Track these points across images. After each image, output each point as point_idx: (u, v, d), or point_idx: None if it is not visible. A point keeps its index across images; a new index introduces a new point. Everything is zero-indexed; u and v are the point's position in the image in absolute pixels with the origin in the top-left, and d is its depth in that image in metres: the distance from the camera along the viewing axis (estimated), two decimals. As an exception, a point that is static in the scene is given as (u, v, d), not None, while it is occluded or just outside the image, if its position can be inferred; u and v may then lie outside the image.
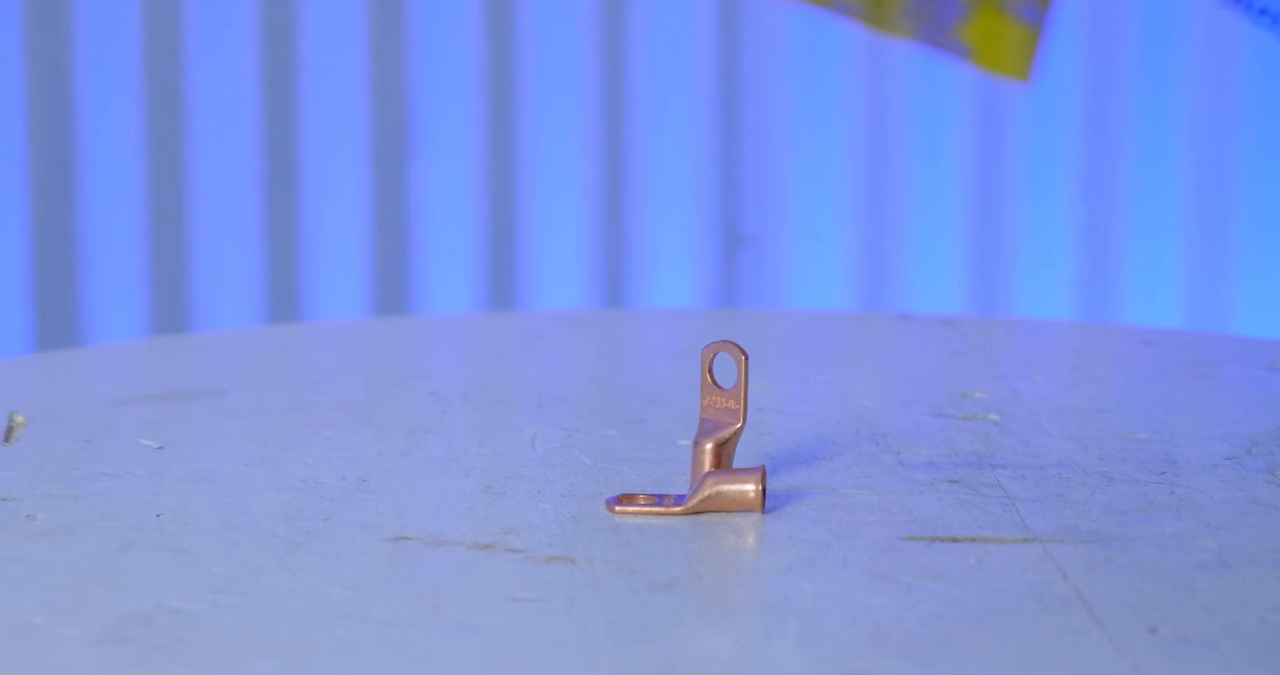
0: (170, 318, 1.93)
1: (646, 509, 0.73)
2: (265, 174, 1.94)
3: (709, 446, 0.75)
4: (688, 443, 0.82)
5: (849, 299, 2.07)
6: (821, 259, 2.08)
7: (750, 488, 0.73)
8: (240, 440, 0.86)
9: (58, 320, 1.90)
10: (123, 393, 0.96)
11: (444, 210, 2.01)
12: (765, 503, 0.73)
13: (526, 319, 1.52)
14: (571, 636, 0.60)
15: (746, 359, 0.75)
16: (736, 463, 0.75)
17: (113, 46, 1.90)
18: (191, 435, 0.87)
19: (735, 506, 0.73)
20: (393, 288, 1.99)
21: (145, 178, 1.91)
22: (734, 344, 0.75)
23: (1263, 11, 1.33)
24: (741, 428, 0.75)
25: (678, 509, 0.73)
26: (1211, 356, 1.12)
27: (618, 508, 0.73)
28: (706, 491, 0.73)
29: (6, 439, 0.82)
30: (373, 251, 1.98)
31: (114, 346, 1.48)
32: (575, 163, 2.02)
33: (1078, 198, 2.07)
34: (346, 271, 1.97)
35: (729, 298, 2.06)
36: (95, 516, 0.72)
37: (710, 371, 0.76)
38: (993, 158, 2.07)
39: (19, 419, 0.85)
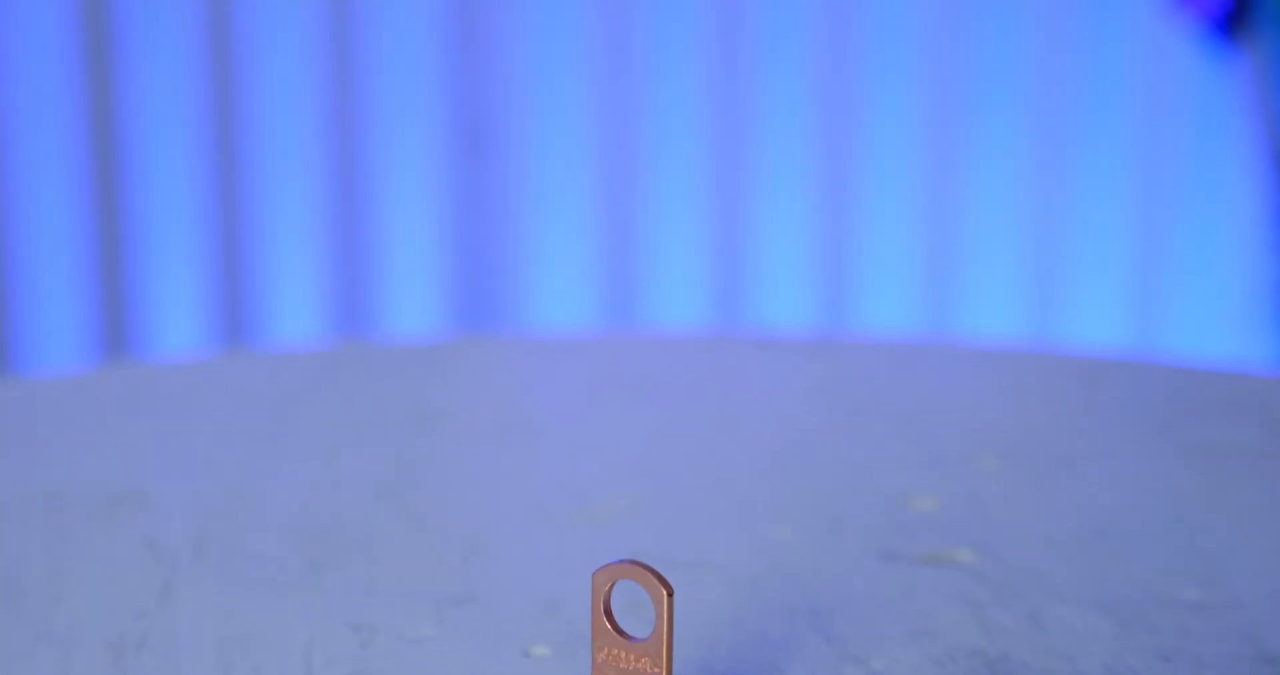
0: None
1: None
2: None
3: (612, 738, 0.46)
4: (545, 653, 0.53)
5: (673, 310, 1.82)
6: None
7: None
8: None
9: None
10: None
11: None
12: None
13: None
14: None
15: (670, 596, 0.45)
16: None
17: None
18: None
19: None
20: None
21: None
22: (647, 569, 0.45)
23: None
24: (664, 704, 0.46)
25: None
26: (1199, 402, 0.85)
27: None
28: None
29: None
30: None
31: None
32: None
33: (926, 195, 1.83)
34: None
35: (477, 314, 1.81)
36: None
37: (607, 611, 0.46)
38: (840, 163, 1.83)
39: None
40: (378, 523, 0.68)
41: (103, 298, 1.75)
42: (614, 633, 0.46)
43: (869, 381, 0.91)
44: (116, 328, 1.74)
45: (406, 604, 0.59)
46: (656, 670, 0.46)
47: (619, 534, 0.67)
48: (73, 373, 0.94)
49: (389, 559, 0.64)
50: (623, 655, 0.46)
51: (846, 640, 0.57)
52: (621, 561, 0.46)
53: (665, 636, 0.45)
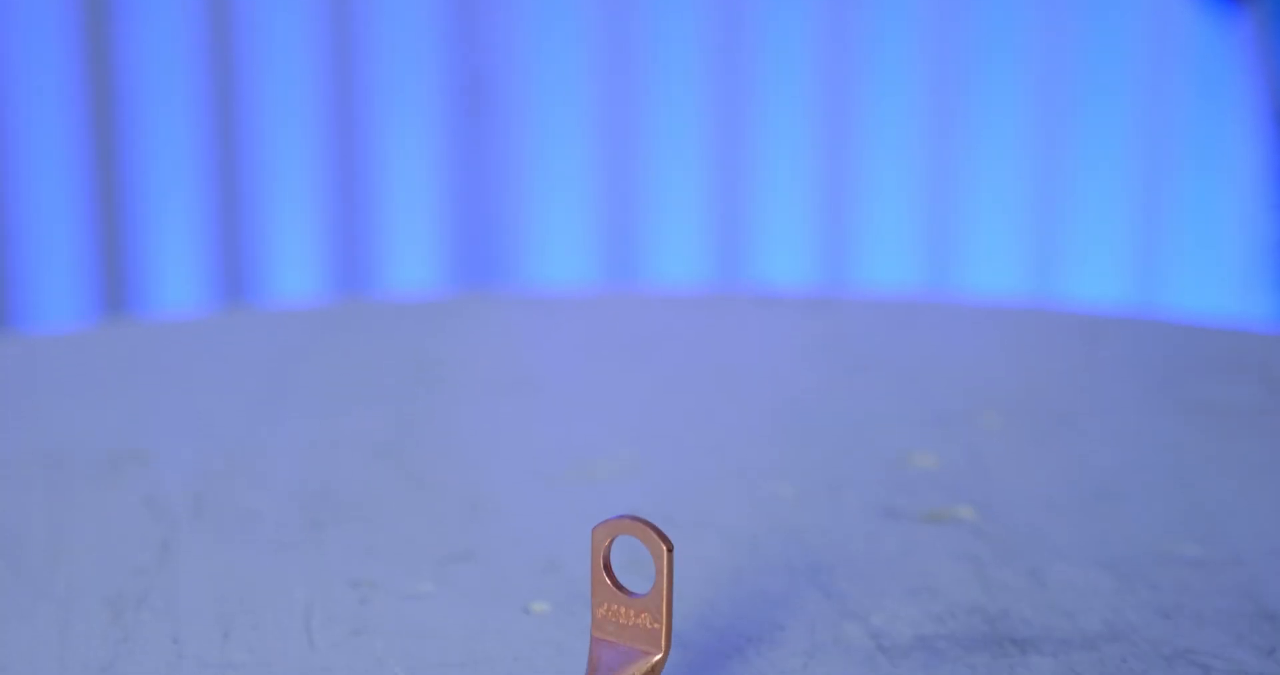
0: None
1: None
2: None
3: (611, 695, 0.46)
4: (544, 609, 0.53)
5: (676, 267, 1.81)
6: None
7: (692, 783, 0.43)
8: None
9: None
10: None
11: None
12: None
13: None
14: None
15: (670, 551, 0.45)
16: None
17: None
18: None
19: None
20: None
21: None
22: (647, 524, 0.45)
23: None
24: (663, 660, 0.46)
25: None
26: (1199, 360, 0.85)
27: None
28: (620, 793, 0.43)
29: None
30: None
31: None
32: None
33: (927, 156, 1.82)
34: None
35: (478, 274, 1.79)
36: None
37: (607, 567, 0.46)
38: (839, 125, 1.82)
39: None
40: (377, 480, 0.68)
41: (102, 255, 1.75)
42: (614, 588, 0.46)
43: (869, 339, 0.91)
44: (115, 285, 1.74)
45: (406, 561, 0.59)
46: (656, 626, 0.46)
47: (618, 492, 0.67)
48: (72, 330, 0.94)
49: (388, 517, 0.64)
50: (622, 611, 0.46)
51: (846, 597, 0.57)
52: (621, 517, 0.46)
53: (665, 592, 0.45)
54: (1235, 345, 0.89)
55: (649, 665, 0.45)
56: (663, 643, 0.45)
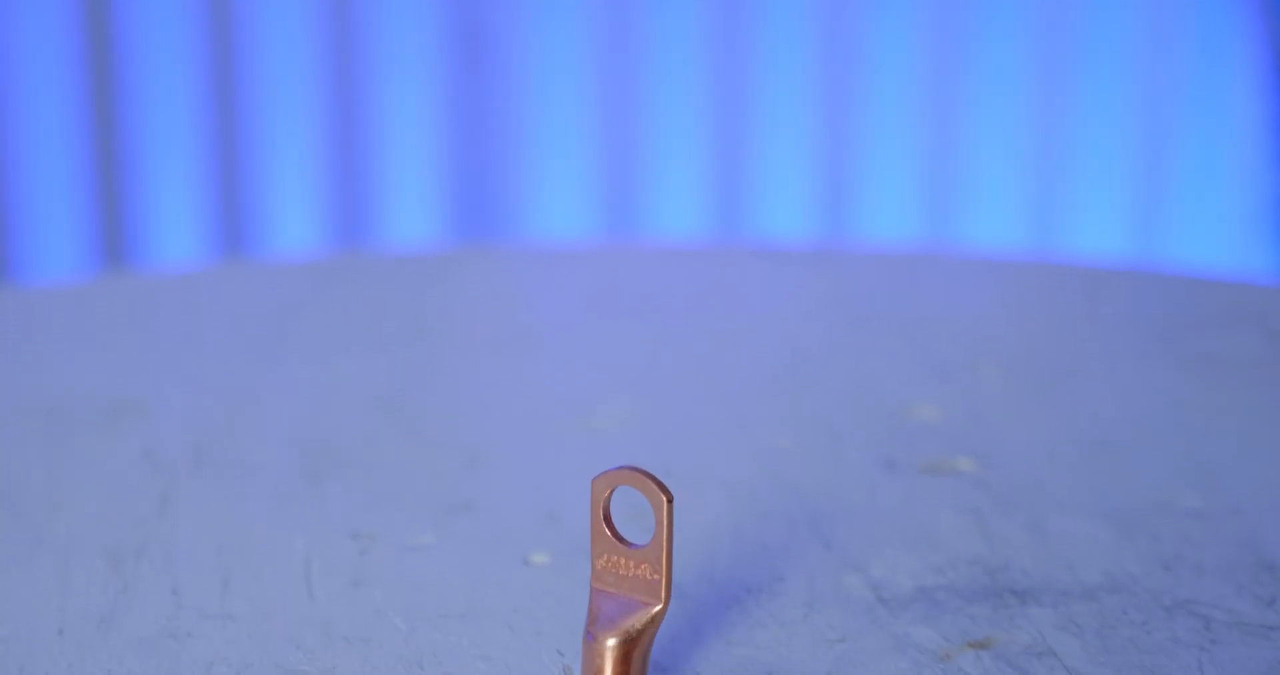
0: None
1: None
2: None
3: (611, 645, 0.45)
4: (544, 561, 0.53)
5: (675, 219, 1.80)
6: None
7: (692, 733, 0.43)
8: None
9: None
10: None
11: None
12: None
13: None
14: None
15: (670, 502, 0.45)
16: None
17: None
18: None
19: (667, 763, 0.43)
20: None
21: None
22: (647, 475, 0.45)
23: None
24: (663, 611, 0.46)
25: (573, 776, 0.43)
26: (1199, 312, 0.85)
27: (471, 778, 0.43)
28: (619, 743, 0.43)
29: None
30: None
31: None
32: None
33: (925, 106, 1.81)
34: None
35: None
36: None
37: (606, 518, 0.46)
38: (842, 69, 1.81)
39: None
40: (376, 432, 0.68)
41: (101, 208, 1.74)
42: (613, 539, 0.46)
43: (870, 292, 0.91)
44: (114, 238, 1.74)
45: (405, 513, 0.59)
46: (656, 577, 0.45)
47: (618, 444, 0.66)
48: (71, 283, 0.94)
49: (388, 468, 0.64)
50: (622, 562, 0.46)
51: (847, 548, 0.56)
52: (621, 468, 0.45)
53: (665, 543, 0.45)
54: (1236, 298, 0.88)
55: (649, 616, 0.45)
56: (663, 594, 0.45)
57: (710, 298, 0.89)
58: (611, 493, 0.46)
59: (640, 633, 0.45)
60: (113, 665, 0.48)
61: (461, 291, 0.90)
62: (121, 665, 0.48)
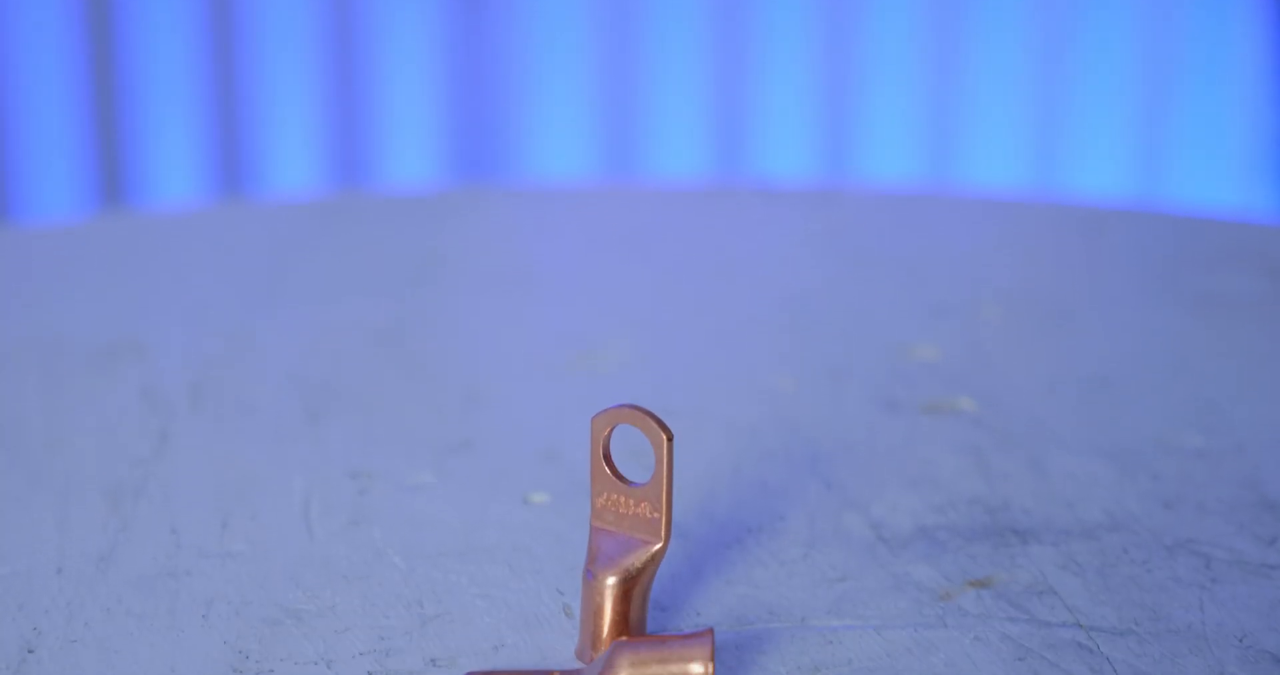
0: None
1: (519, 716, 0.43)
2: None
3: (611, 583, 0.45)
4: (543, 500, 0.53)
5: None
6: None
7: (694, 670, 0.43)
8: None
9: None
10: None
11: None
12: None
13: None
14: None
15: (670, 440, 0.45)
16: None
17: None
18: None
19: (667, 701, 0.43)
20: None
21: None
22: (647, 413, 0.45)
23: None
24: (663, 549, 0.46)
25: (572, 715, 0.43)
26: (1201, 251, 0.84)
27: (470, 716, 0.43)
28: (619, 681, 0.43)
29: None
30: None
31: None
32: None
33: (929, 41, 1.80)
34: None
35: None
36: None
37: (606, 456, 0.46)
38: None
39: None
40: (376, 372, 0.67)
41: (99, 147, 1.74)
42: (613, 478, 0.46)
43: (871, 232, 0.90)
44: (113, 177, 1.73)
45: (404, 452, 0.59)
46: (656, 515, 0.45)
47: (618, 383, 0.66)
48: (69, 222, 0.93)
49: (387, 408, 0.64)
50: (622, 500, 0.46)
51: (847, 487, 0.56)
52: (621, 406, 0.45)
53: (665, 481, 0.45)
54: (1238, 237, 0.88)
55: (649, 554, 0.45)
56: (663, 532, 0.45)
57: (710, 238, 0.89)
58: (611, 431, 0.46)
59: (640, 571, 0.45)
60: (111, 604, 0.48)
61: (461, 231, 0.90)
62: (120, 604, 0.48)
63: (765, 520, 0.54)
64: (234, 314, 0.74)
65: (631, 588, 0.45)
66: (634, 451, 0.56)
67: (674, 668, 0.43)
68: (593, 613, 0.46)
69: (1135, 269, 0.83)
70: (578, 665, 0.46)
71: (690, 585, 0.50)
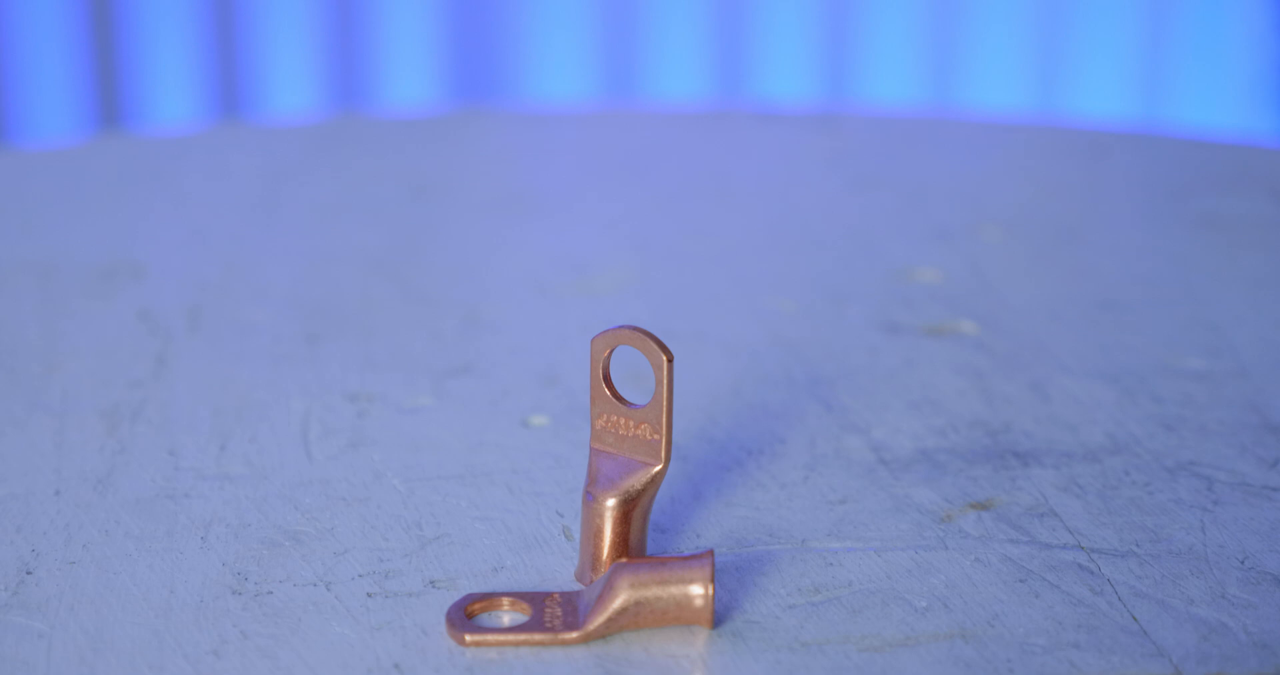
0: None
1: (519, 637, 0.43)
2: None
3: (611, 505, 0.45)
4: (543, 422, 0.53)
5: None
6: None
7: (694, 592, 0.43)
8: None
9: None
10: None
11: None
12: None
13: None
14: None
15: (670, 361, 0.44)
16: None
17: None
18: None
19: (667, 621, 0.43)
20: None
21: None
22: (647, 334, 0.44)
23: None
24: (663, 471, 0.45)
25: (573, 635, 0.43)
26: (1204, 174, 0.84)
27: (469, 637, 0.43)
28: (619, 602, 0.43)
29: None
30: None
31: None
32: None
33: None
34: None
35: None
36: None
37: (606, 378, 0.46)
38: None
39: None
40: (374, 295, 0.67)
41: (97, 69, 1.73)
42: (613, 399, 0.46)
43: (872, 155, 0.90)
44: (110, 99, 1.72)
45: (404, 375, 0.59)
46: (656, 437, 0.45)
47: (618, 306, 0.66)
48: (66, 145, 0.93)
49: (386, 331, 0.63)
50: (622, 422, 0.46)
51: (848, 410, 0.56)
52: (621, 327, 0.45)
53: (665, 403, 0.45)
54: (1242, 159, 0.87)
55: (649, 476, 0.45)
56: (663, 454, 0.45)
57: (710, 161, 0.89)
58: (611, 352, 0.46)
59: (640, 493, 0.45)
60: (110, 525, 0.48)
61: (459, 154, 0.90)
62: (119, 525, 0.48)
63: (765, 443, 0.54)
64: (232, 236, 0.74)
65: (631, 510, 0.45)
66: (634, 373, 0.56)
67: (674, 589, 0.43)
68: (592, 535, 0.45)
69: (1138, 192, 0.83)
70: (577, 587, 0.46)
71: (690, 507, 0.49)
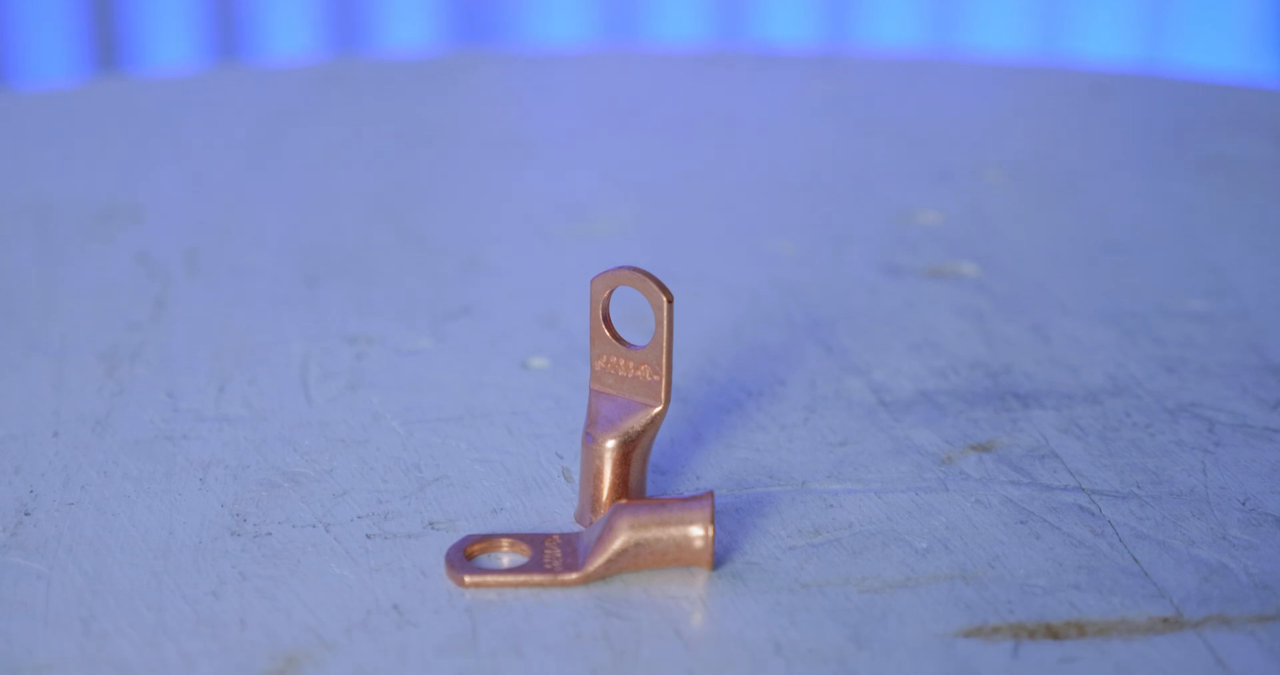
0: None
1: (518, 579, 0.43)
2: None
3: (610, 446, 0.45)
4: (543, 364, 0.53)
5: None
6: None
7: (694, 533, 0.43)
8: None
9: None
10: None
11: None
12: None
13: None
14: None
15: (670, 302, 0.44)
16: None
17: None
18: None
19: (667, 563, 0.43)
20: None
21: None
22: (647, 275, 0.44)
23: None
24: (663, 412, 0.45)
25: (572, 576, 0.43)
26: (1208, 116, 0.84)
27: (468, 578, 0.43)
28: (619, 543, 0.43)
29: None
30: None
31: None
32: None
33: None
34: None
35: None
36: None
37: (606, 318, 0.45)
38: None
39: None
40: (373, 238, 0.67)
41: (94, 11, 1.72)
42: (613, 340, 0.45)
43: (874, 98, 0.89)
44: (108, 41, 1.71)
45: (403, 317, 0.59)
46: (656, 378, 0.45)
47: (617, 249, 0.66)
48: (64, 87, 0.92)
49: (385, 274, 0.63)
50: (621, 363, 0.45)
51: (848, 352, 0.56)
52: (620, 267, 0.45)
53: (665, 343, 0.44)
54: (1246, 101, 0.87)
55: (649, 417, 0.45)
56: (662, 394, 0.45)
57: (710, 103, 0.88)
58: (611, 293, 0.45)
59: (640, 434, 0.45)
60: (108, 467, 0.48)
61: (459, 97, 0.89)
62: (117, 466, 0.48)
63: (766, 385, 0.53)
64: (230, 179, 0.74)
65: (631, 451, 0.45)
66: (633, 315, 0.56)
67: (674, 530, 0.43)
68: (592, 476, 0.45)
69: (1140, 134, 0.82)
70: (577, 528, 0.46)
71: (690, 449, 0.49)
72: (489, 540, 0.44)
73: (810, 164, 0.77)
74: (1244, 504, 0.46)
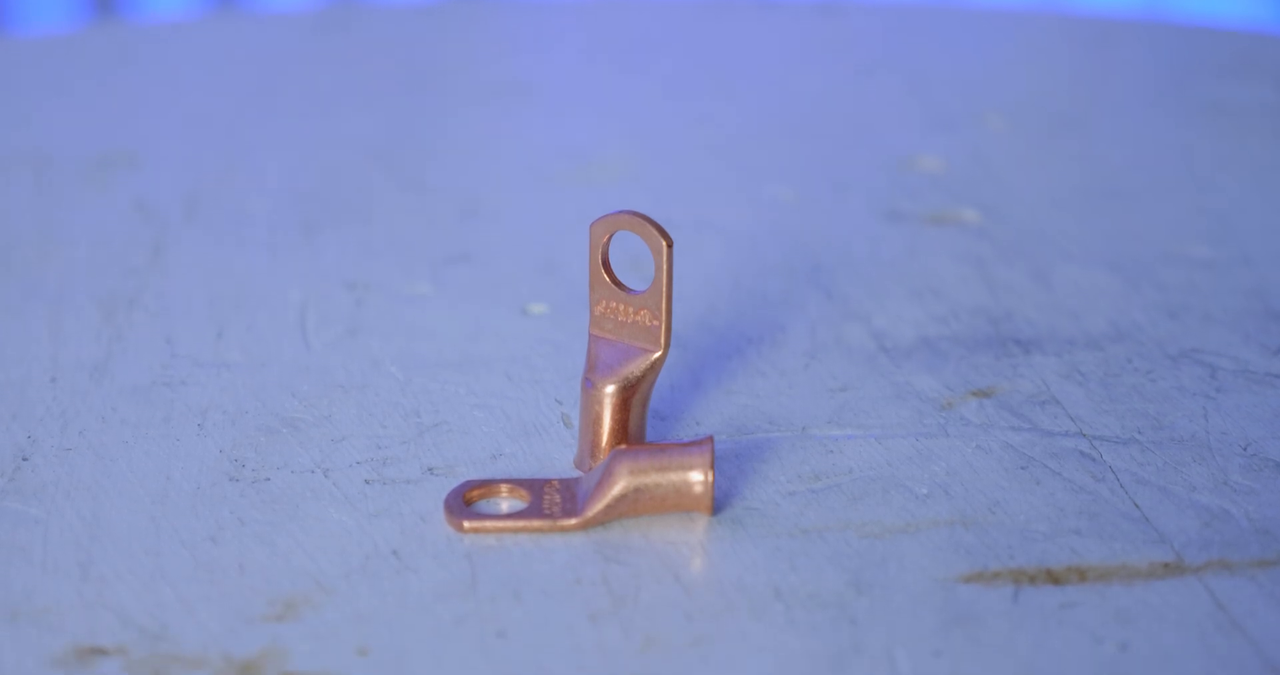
0: None
1: (517, 524, 0.43)
2: None
3: (610, 391, 0.45)
4: (542, 310, 0.52)
5: None
6: None
7: (694, 478, 0.43)
8: None
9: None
10: None
11: None
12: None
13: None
14: None
15: (670, 246, 0.44)
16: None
17: None
18: None
19: (666, 508, 0.43)
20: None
21: None
22: (646, 219, 0.44)
23: None
24: (662, 358, 0.45)
25: (571, 522, 0.43)
26: (1211, 62, 0.83)
27: (467, 524, 0.43)
28: (618, 489, 0.43)
29: None
30: None
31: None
32: None
33: None
34: None
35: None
36: None
37: (605, 263, 0.45)
38: None
39: None
40: (371, 184, 0.66)
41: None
42: (612, 285, 0.45)
43: (874, 44, 0.89)
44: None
45: (402, 263, 0.58)
46: (655, 323, 0.45)
47: (617, 195, 0.65)
48: (60, 32, 0.92)
49: (383, 219, 0.63)
50: (621, 308, 0.45)
51: (848, 298, 0.56)
52: (620, 212, 0.44)
53: (664, 288, 0.44)
54: (1249, 47, 0.86)
55: (648, 362, 0.45)
56: (662, 339, 0.45)
57: (710, 49, 0.88)
58: (610, 238, 0.45)
59: (639, 379, 0.45)
60: (106, 412, 0.48)
61: (458, 43, 0.89)
62: (115, 412, 0.48)
63: (766, 331, 0.53)
64: (228, 126, 0.73)
65: (630, 396, 0.45)
66: (633, 260, 0.55)
67: (674, 476, 0.43)
68: (591, 421, 0.45)
69: (1143, 80, 0.82)
70: (576, 474, 0.45)
71: (690, 395, 0.49)
72: (488, 486, 0.44)
73: (811, 110, 0.76)
74: (1245, 449, 0.46)
